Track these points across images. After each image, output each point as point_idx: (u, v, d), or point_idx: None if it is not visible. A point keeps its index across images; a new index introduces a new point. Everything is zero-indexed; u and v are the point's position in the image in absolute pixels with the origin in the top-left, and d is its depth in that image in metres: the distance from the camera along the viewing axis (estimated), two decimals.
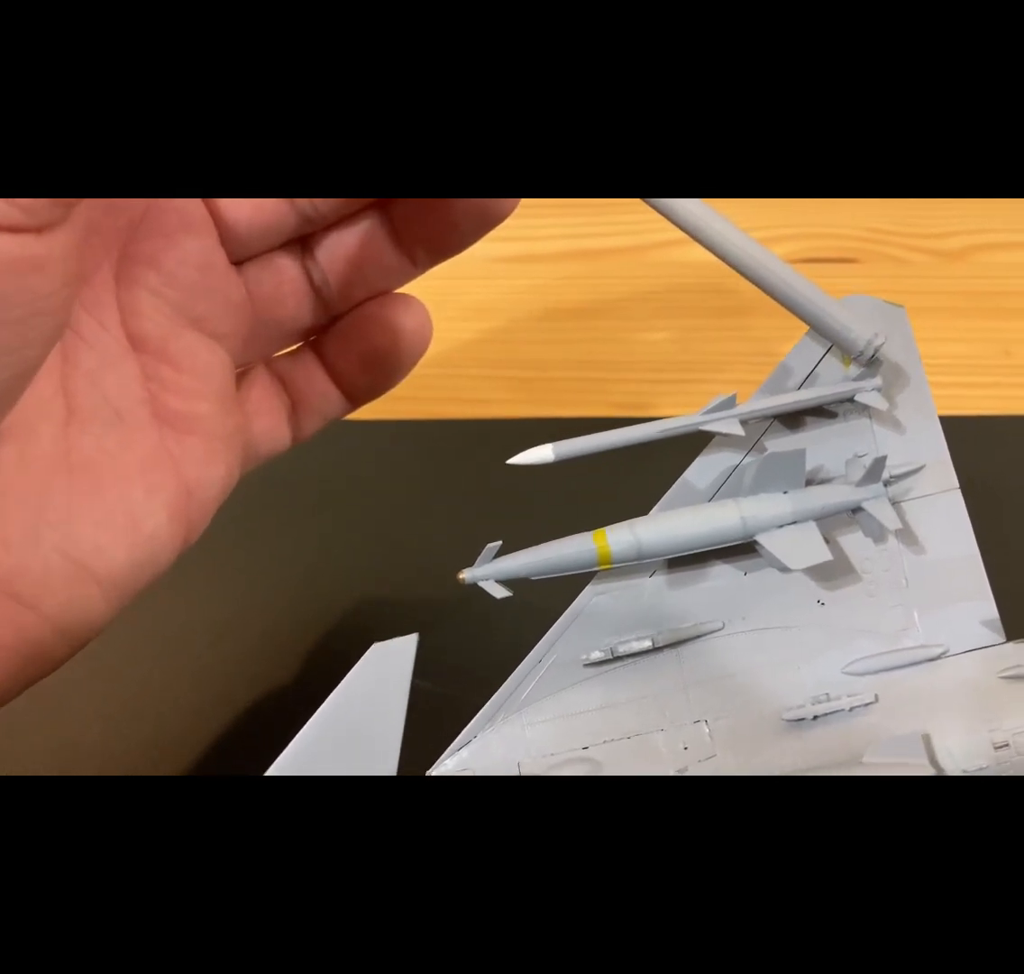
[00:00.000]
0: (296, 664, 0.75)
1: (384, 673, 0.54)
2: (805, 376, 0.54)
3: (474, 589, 0.50)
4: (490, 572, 0.49)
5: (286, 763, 0.53)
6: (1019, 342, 0.93)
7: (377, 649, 0.55)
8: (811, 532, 0.50)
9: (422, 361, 0.97)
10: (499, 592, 0.49)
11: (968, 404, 0.89)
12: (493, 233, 0.87)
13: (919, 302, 0.99)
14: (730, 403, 0.51)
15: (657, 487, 0.55)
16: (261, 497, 0.84)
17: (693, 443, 0.55)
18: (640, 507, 0.54)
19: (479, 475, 0.83)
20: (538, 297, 0.98)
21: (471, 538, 0.79)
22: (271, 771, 0.53)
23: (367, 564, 0.80)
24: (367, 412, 0.93)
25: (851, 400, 0.53)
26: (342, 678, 0.54)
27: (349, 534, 0.82)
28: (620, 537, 0.50)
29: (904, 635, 0.53)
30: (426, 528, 0.81)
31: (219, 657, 0.77)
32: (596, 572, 0.51)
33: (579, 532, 0.51)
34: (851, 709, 0.51)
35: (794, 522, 0.50)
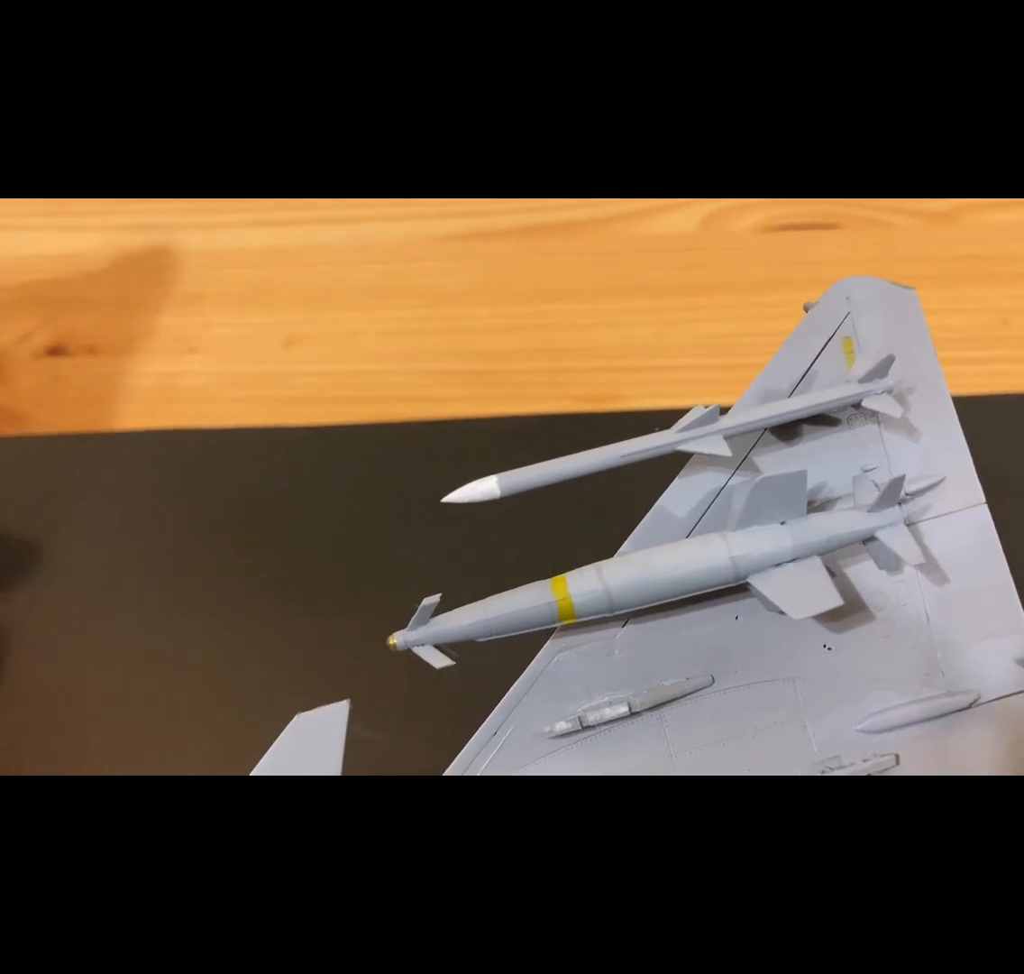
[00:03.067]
0: (217, 711, 0.67)
1: (310, 748, 0.46)
2: (801, 375, 0.45)
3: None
4: (426, 635, 0.40)
5: None
6: (1018, 311, 0.85)
7: (301, 721, 0.46)
8: (815, 571, 0.42)
9: (364, 357, 0.90)
10: (438, 660, 0.40)
11: (966, 383, 0.81)
12: (442, 208, 0.77)
13: (906, 270, 0.90)
14: (712, 416, 0.42)
15: (632, 493, 0.46)
16: (185, 521, 0.76)
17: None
18: (611, 520, 0.46)
19: (430, 484, 0.74)
20: (493, 279, 0.89)
21: (418, 559, 0.73)
22: None
23: (301, 595, 0.71)
24: (303, 416, 0.86)
25: (857, 406, 0.44)
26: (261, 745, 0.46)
27: (281, 558, 0.73)
28: (585, 586, 0.41)
29: (927, 682, 0.44)
30: (370, 549, 0.72)
31: (139, 700, 0.69)
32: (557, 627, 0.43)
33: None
34: (868, 775, 0.43)
35: (794, 559, 0.42)
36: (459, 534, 0.70)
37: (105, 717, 0.68)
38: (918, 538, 0.45)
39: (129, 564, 0.75)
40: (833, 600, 0.41)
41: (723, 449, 0.41)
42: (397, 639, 0.41)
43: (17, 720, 0.68)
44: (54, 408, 0.83)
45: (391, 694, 0.59)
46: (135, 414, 0.82)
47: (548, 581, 0.41)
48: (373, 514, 0.75)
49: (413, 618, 0.41)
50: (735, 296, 0.87)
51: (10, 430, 0.82)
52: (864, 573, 0.45)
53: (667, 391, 0.82)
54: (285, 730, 0.46)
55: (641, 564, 0.41)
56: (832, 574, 0.43)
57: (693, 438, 0.41)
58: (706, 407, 0.42)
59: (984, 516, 0.46)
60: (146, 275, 0.90)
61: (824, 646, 0.45)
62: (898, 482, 0.42)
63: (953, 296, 0.86)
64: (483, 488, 0.41)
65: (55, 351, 0.86)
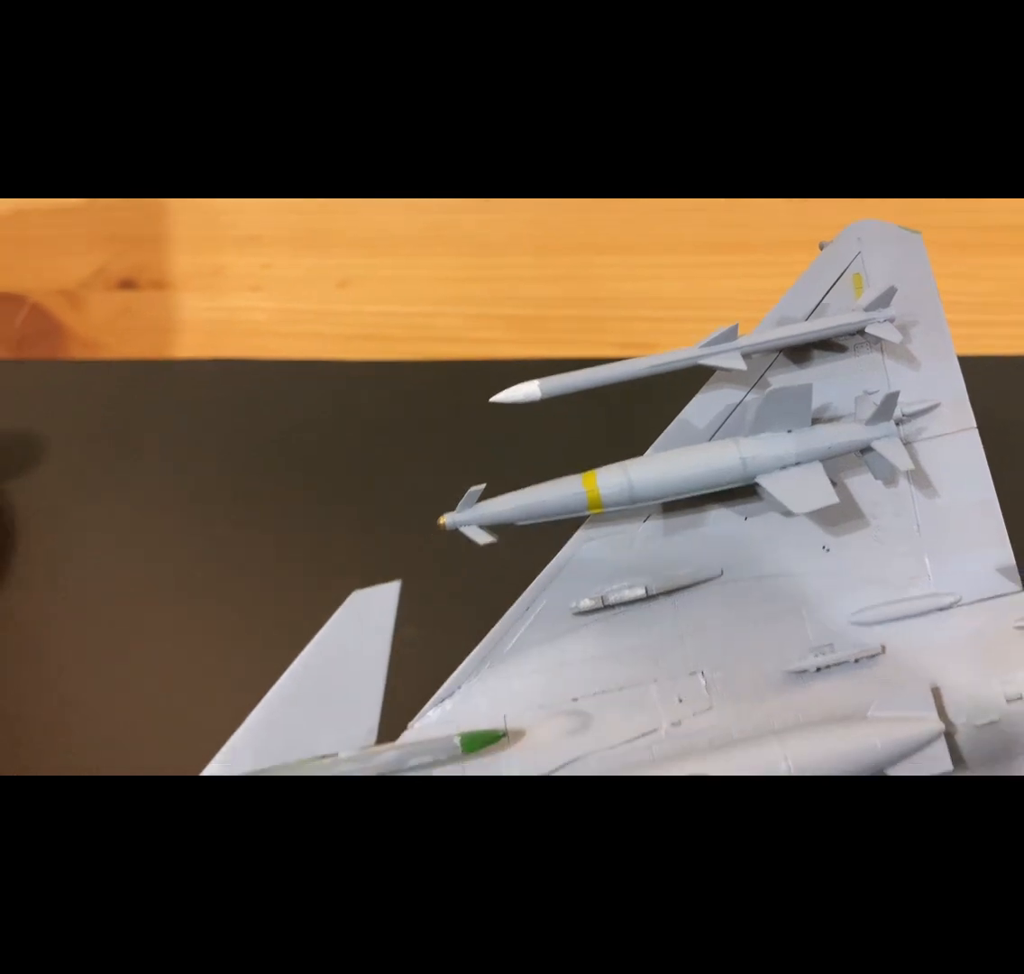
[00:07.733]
0: (279, 611, 0.73)
1: (365, 621, 0.52)
2: (813, 306, 0.51)
3: (459, 535, 0.47)
4: (472, 517, 0.46)
5: (263, 714, 0.51)
6: None
7: (357, 597, 0.52)
8: (816, 473, 0.47)
9: (414, 299, 0.95)
10: (482, 538, 0.46)
11: (986, 344, 0.85)
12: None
13: (933, 237, 0.95)
14: (731, 335, 0.47)
15: (656, 427, 0.52)
16: (246, 442, 0.82)
17: (694, 381, 0.51)
18: (637, 448, 0.51)
19: (471, 417, 0.80)
20: (536, 232, 0.94)
21: (460, 482, 0.78)
22: (247, 724, 0.51)
23: (352, 508, 0.77)
24: (357, 351, 0.91)
25: (862, 332, 0.49)
26: (321, 626, 0.52)
27: (336, 476, 0.79)
28: (612, 479, 0.46)
29: (914, 583, 0.49)
30: (415, 471, 0.78)
31: (202, 604, 0.75)
32: (586, 517, 0.48)
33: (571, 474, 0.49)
34: (857, 660, 0.48)
35: (798, 463, 0.47)
36: (500, 458, 0.75)
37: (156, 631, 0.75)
38: (913, 456, 0.50)
39: (191, 484, 0.81)
40: (830, 498, 0.46)
41: (739, 364, 0.47)
42: (447, 519, 0.47)
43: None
44: (124, 336, 0.90)
45: (438, 580, 0.65)
46: (199, 344, 0.88)
47: (580, 474, 0.47)
48: (419, 443, 0.81)
49: (461, 502, 0.47)
50: (766, 255, 0.91)
51: (84, 355, 0.89)
52: (863, 486, 0.50)
53: (698, 339, 0.86)
54: (343, 605, 0.52)
55: (661, 461, 0.47)
56: (833, 483, 0.48)
57: (713, 353, 0.47)
58: (726, 327, 0.47)
59: (974, 439, 0.50)
60: (210, 217, 0.96)
61: (823, 547, 0.50)
62: (893, 397, 0.47)
63: (979, 263, 0.89)
64: (526, 390, 0.46)
65: (126, 284, 0.93)
